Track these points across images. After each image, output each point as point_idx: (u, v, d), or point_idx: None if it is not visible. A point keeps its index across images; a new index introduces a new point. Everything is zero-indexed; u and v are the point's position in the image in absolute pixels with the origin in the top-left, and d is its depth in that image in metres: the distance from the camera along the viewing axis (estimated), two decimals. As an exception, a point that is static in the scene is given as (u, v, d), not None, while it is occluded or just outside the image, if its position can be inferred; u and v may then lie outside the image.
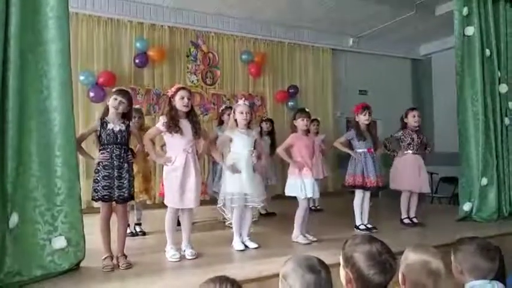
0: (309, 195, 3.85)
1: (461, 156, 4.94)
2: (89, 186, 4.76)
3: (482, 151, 4.78)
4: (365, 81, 8.87)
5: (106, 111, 3.25)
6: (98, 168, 3.10)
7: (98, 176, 3.08)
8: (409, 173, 4.56)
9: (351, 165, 4.35)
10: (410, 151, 4.62)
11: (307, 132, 4.04)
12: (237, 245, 3.59)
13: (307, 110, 4.06)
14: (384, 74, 9.04)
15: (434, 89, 9.39)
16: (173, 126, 3.27)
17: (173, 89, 3.40)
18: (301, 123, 3.92)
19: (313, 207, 5.85)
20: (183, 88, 3.40)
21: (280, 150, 3.95)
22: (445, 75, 7.92)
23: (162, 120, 3.33)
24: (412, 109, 4.77)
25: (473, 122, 4.85)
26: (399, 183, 4.61)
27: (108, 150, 3.11)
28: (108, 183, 3.06)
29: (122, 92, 3.24)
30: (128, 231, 4.09)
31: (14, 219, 2.70)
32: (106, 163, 3.09)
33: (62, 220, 2.88)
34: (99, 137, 3.16)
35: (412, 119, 4.63)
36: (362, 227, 4.29)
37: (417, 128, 4.69)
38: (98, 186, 3.06)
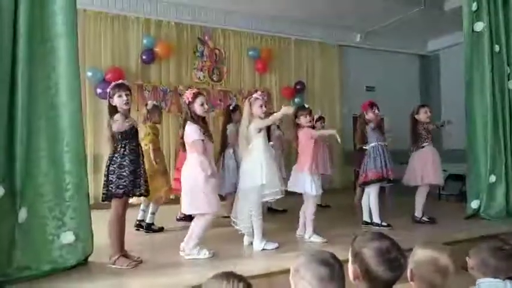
0: (319, 193, 3.85)
1: (469, 153, 4.90)
2: (97, 182, 4.79)
3: (491, 148, 4.74)
4: (372, 78, 8.82)
5: (114, 110, 3.06)
6: (124, 163, 2.97)
7: (124, 172, 2.96)
8: (433, 166, 4.56)
9: (375, 159, 4.35)
10: (426, 144, 4.63)
11: (310, 128, 4.02)
12: (270, 244, 3.50)
13: (306, 106, 4.07)
14: (391, 70, 8.98)
15: (442, 85, 9.30)
16: (204, 130, 3.23)
17: (189, 96, 3.27)
18: (304, 120, 3.90)
19: (323, 204, 5.85)
20: (200, 94, 3.35)
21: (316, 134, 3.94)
22: (454, 71, 7.85)
23: (195, 129, 3.20)
24: (423, 105, 4.80)
25: (481, 119, 4.81)
26: (422, 177, 4.56)
27: (133, 144, 3.06)
28: (133, 178, 3.00)
29: (124, 87, 3.10)
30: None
31: (22, 214, 2.73)
32: (133, 157, 3.01)
33: (71, 215, 2.91)
34: (122, 133, 3.01)
35: (425, 115, 4.66)
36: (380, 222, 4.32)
37: (428, 123, 4.70)
38: (125, 181, 2.95)
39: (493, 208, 4.74)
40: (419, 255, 1.66)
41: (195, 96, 3.28)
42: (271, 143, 3.83)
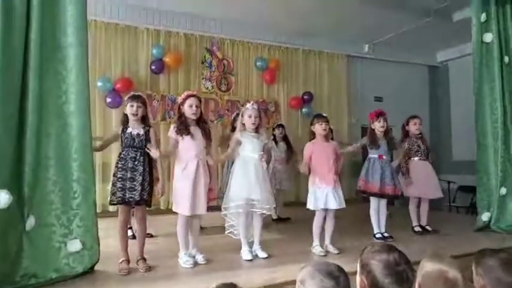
0: (321, 207, 3.67)
1: (479, 165, 4.84)
2: (104, 190, 4.84)
3: (501, 160, 4.66)
4: (380, 88, 8.78)
5: (126, 118, 3.32)
6: (116, 171, 3.18)
7: (116, 179, 3.15)
8: (418, 179, 4.56)
9: (362, 170, 4.37)
10: (417, 158, 4.65)
11: (326, 137, 3.88)
12: (245, 254, 3.45)
13: (324, 115, 3.97)
14: (399, 80, 8.93)
15: (452, 96, 9.23)
16: (183, 129, 3.32)
17: (183, 96, 3.44)
18: (319, 128, 3.80)
19: None
20: (192, 96, 3.42)
21: (302, 168, 3.78)
22: (463, 83, 7.79)
23: (171, 128, 3.39)
24: (413, 117, 4.81)
25: (491, 130, 4.75)
26: (407, 189, 4.61)
27: (124, 152, 3.21)
28: (121, 185, 3.13)
29: (136, 98, 3.33)
30: (130, 233, 4.01)
31: (31, 221, 2.74)
32: (120, 165, 3.17)
33: (78, 223, 2.92)
34: (121, 141, 3.28)
35: (414, 127, 4.70)
36: (378, 235, 4.23)
37: (420, 135, 4.74)
38: (115, 189, 3.14)
39: (504, 221, 4.65)
40: (428, 268, 1.62)
41: (187, 97, 3.39)
42: (258, 154, 3.55)
